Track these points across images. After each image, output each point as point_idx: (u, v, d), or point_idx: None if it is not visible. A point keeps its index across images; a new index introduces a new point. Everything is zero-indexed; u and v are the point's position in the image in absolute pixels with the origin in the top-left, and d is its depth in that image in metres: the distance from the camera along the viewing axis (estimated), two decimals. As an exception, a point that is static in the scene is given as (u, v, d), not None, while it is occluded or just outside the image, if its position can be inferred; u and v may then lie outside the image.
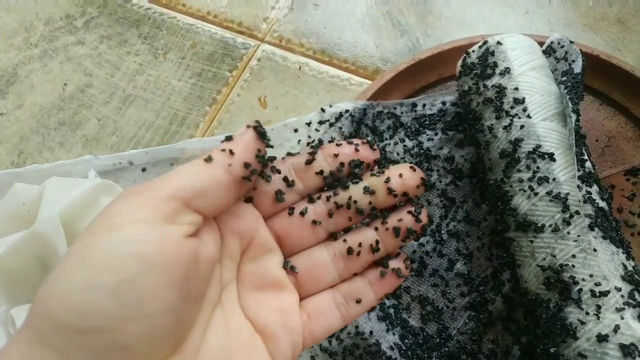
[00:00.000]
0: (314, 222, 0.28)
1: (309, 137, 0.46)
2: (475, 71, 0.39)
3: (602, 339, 0.30)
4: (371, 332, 0.37)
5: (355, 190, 0.28)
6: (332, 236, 0.28)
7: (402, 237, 0.28)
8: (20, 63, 0.57)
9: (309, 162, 0.28)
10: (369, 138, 0.45)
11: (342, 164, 0.28)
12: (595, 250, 0.32)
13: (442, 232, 0.41)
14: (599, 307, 0.31)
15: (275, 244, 0.27)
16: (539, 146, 0.35)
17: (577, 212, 0.33)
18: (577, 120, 0.36)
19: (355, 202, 0.28)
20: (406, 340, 0.38)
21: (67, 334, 0.19)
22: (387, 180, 0.28)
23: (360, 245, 0.28)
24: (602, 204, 0.35)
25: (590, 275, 0.31)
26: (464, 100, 0.41)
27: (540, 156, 0.34)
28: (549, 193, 0.34)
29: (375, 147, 0.29)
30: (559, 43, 0.40)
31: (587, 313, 0.31)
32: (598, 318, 0.30)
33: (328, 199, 0.28)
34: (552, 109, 0.36)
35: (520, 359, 0.37)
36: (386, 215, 0.28)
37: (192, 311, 0.22)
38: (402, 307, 0.40)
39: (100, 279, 0.19)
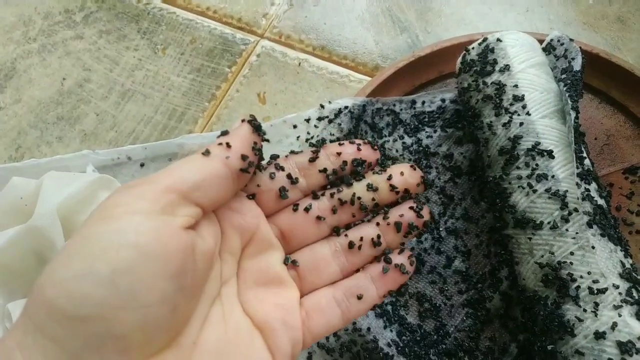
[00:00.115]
0: (318, 218, 0.28)
1: (308, 133, 0.46)
2: (475, 68, 0.39)
3: (599, 336, 0.30)
4: (369, 329, 0.37)
5: (359, 187, 0.29)
6: (335, 232, 0.28)
7: (404, 233, 0.28)
8: (18, 57, 0.57)
9: (312, 160, 0.28)
10: (368, 135, 0.45)
11: (344, 162, 0.28)
12: (593, 247, 0.32)
13: (441, 229, 0.41)
14: (596, 304, 0.31)
15: (276, 240, 0.28)
16: (538, 143, 0.35)
17: (576, 210, 0.33)
18: (577, 118, 0.36)
19: (359, 198, 0.28)
20: (404, 337, 0.38)
21: (62, 322, 0.19)
22: (389, 178, 0.28)
23: (361, 239, 0.28)
24: (601, 202, 0.35)
25: (589, 273, 0.31)
26: (464, 97, 0.41)
27: (539, 153, 0.34)
28: (547, 190, 0.34)
29: (376, 147, 0.29)
30: (558, 41, 0.40)
31: (585, 310, 0.31)
32: (596, 315, 0.30)
33: (332, 195, 0.28)
34: (552, 107, 0.36)
35: (517, 357, 0.37)
36: (387, 211, 0.28)
37: (189, 303, 0.23)
38: (400, 304, 0.40)
39: (96, 268, 0.19)
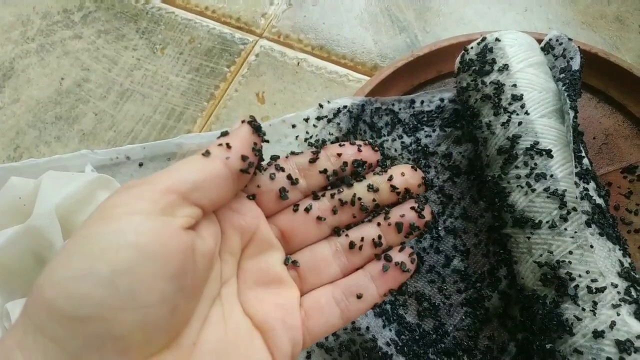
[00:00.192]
0: (319, 219, 0.28)
1: (307, 132, 0.46)
2: (474, 68, 0.39)
3: (598, 335, 0.30)
4: (367, 328, 0.37)
5: (359, 188, 0.29)
6: (336, 232, 0.28)
7: (405, 233, 0.28)
8: (17, 57, 0.57)
9: (312, 161, 0.28)
10: (367, 134, 0.45)
11: (345, 163, 0.28)
12: (592, 246, 0.32)
13: (440, 228, 0.41)
14: (595, 303, 0.31)
15: (276, 240, 0.28)
16: (536, 143, 0.35)
17: (574, 209, 0.33)
18: (575, 117, 0.36)
19: (359, 199, 0.28)
20: (402, 336, 0.38)
21: (62, 322, 0.19)
22: (390, 179, 0.28)
23: (362, 240, 0.28)
24: (599, 201, 0.35)
25: (587, 272, 0.31)
26: (462, 96, 0.41)
27: (538, 153, 0.34)
28: (546, 189, 0.34)
29: (376, 148, 0.29)
30: (557, 40, 0.40)
31: (584, 309, 0.31)
32: (594, 314, 0.30)
33: (332, 196, 0.28)
34: (550, 106, 0.36)
35: (516, 356, 0.37)
36: (388, 211, 0.28)
37: (189, 304, 0.22)
38: (399, 303, 0.40)
39: (96, 268, 0.19)
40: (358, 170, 0.29)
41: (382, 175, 0.29)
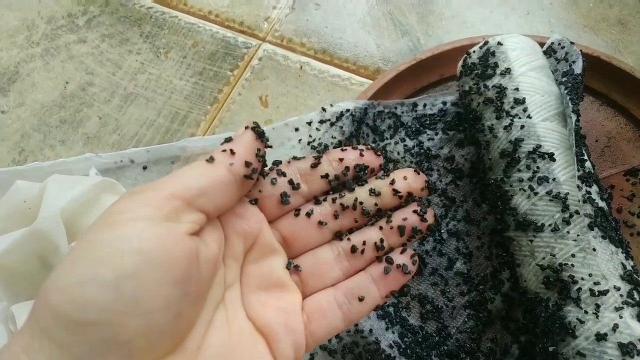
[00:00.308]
0: (320, 223, 0.28)
1: (310, 136, 0.46)
2: (476, 71, 0.39)
3: (600, 337, 0.30)
4: (371, 330, 0.37)
5: (361, 192, 0.28)
6: (338, 236, 0.28)
7: (407, 236, 0.28)
8: (22, 61, 0.57)
9: (314, 166, 0.28)
10: (370, 137, 0.45)
11: (347, 167, 0.28)
12: (594, 249, 0.32)
13: (442, 231, 0.41)
14: (597, 306, 0.31)
15: (278, 245, 0.28)
16: (539, 146, 0.35)
17: (577, 212, 0.33)
18: (577, 120, 0.36)
19: (361, 203, 0.28)
20: (405, 339, 0.38)
21: (67, 327, 0.19)
22: (392, 182, 0.28)
23: (364, 243, 0.28)
24: (602, 204, 0.35)
25: (590, 275, 0.32)
26: (465, 100, 0.41)
27: (541, 156, 0.35)
28: (548, 193, 0.34)
29: (379, 152, 0.29)
30: (559, 44, 0.40)
31: (586, 312, 0.31)
32: (597, 317, 0.31)
33: (334, 200, 0.28)
34: (553, 110, 0.36)
35: (519, 358, 0.37)
36: (390, 214, 0.28)
37: (193, 309, 0.23)
38: (402, 306, 0.40)
39: (100, 273, 0.19)
40: (360, 175, 0.29)
41: (384, 179, 0.29)
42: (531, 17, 0.54)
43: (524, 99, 0.36)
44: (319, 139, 0.46)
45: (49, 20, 0.60)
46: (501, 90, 0.37)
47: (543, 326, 0.33)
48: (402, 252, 0.28)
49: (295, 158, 0.29)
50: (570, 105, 0.35)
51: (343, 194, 0.28)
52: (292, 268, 0.28)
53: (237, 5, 0.59)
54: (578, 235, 0.32)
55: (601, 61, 0.45)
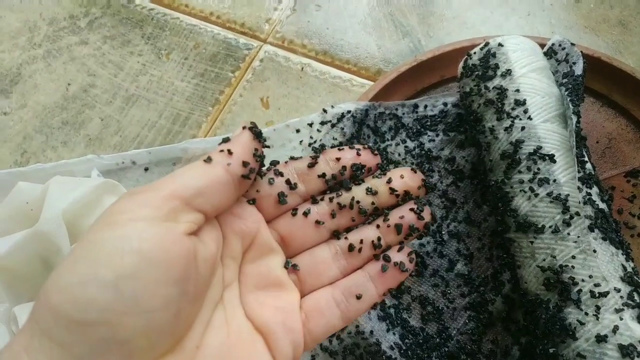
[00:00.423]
0: (317, 222, 0.28)
1: (311, 137, 0.46)
2: (477, 73, 0.39)
3: (601, 339, 0.30)
4: (371, 332, 0.37)
5: (358, 191, 0.29)
6: (335, 235, 0.29)
7: (404, 235, 0.28)
8: (24, 63, 0.57)
9: (311, 166, 0.28)
10: (371, 139, 0.45)
11: (344, 167, 0.28)
12: (595, 251, 0.32)
13: (443, 232, 0.41)
14: (598, 307, 0.31)
15: (276, 244, 0.28)
16: (539, 148, 0.35)
17: (577, 214, 0.33)
18: (578, 122, 0.36)
19: (358, 202, 0.28)
20: (406, 340, 0.38)
21: (68, 327, 0.19)
22: (389, 181, 0.28)
23: (361, 242, 0.28)
24: (602, 206, 0.35)
25: (590, 276, 0.32)
26: (465, 101, 0.41)
27: (541, 157, 0.35)
28: (549, 194, 0.34)
29: (376, 152, 0.29)
30: (560, 45, 0.40)
31: (587, 314, 0.31)
32: (597, 319, 0.31)
33: (331, 200, 0.28)
34: (553, 111, 0.36)
35: (519, 359, 0.37)
36: (387, 213, 0.28)
37: (192, 309, 0.23)
38: (403, 307, 0.40)
39: (100, 273, 0.19)
40: (357, 174, 0.29)
41: (381, 178, 0.29)
42: (532, 18, 0.54)
43: (525, 100, 0.36)
44: (320, 140, 0.46)
45: (51, 22, 0.60)
46: (502, 92, 0.37)
47: (543, 328, 0.33)
48: (400, 250, 0.28)
49: (292, 158, 0.29)
50: (570, 106, 0.35)
51: (340, 193, 0.29)
52: (290, 267, 0.28)
53: (238, 7, 0.59)
54: (578, 236, 0.32)
55: (602, 62, 0.45)
